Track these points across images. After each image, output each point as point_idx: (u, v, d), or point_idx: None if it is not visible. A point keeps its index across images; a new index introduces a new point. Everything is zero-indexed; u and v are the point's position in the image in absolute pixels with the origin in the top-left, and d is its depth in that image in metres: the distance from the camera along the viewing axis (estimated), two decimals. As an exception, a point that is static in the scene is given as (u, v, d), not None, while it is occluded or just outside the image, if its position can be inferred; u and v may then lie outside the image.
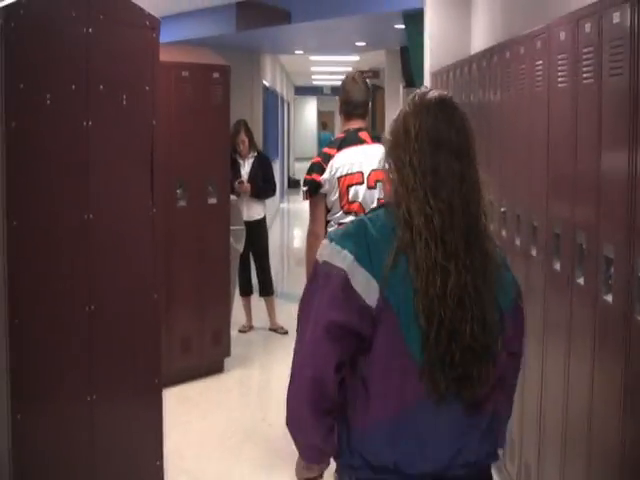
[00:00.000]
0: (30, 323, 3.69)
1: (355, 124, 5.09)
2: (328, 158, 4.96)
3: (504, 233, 4.85)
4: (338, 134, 5.27)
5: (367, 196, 4.85)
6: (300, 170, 30.37)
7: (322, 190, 4.91)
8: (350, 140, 4.99)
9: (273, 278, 9.16)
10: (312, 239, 4.92)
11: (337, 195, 4.88)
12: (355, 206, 4.84)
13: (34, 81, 3.67)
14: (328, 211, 4.96)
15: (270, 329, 8.95)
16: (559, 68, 3.79)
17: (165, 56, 6.99)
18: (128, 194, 4.23)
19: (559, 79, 3.80)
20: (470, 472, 2.36)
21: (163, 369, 6.84)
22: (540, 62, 4.11)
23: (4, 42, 3.49)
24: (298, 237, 17.37)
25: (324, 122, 36.16)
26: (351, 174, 4.87)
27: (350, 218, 4.63)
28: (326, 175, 4.90)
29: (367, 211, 2.89)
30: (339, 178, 4.86)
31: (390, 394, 2.30)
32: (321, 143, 31.38)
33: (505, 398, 2.50)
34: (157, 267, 4.41)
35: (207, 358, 7.34)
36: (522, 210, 4.50)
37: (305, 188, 5.00)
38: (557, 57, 3.81)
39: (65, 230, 3.89)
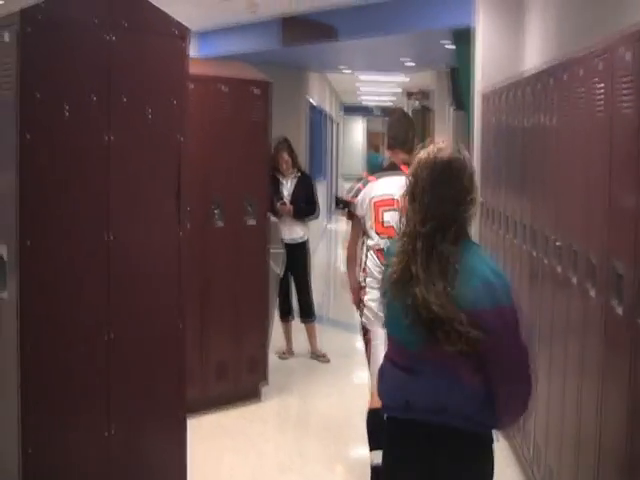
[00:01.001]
0: (44, 351, 3.43)
1: (398, 156, 5.27)
2: (366, 183, 5.25)
3: (559, 269, 4.51)
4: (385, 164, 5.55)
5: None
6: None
7: (357, 212, 5.20)
8: (390, 170, 5.23)
9: (315, 302, 8.85)
10: (346, 256, 5.47)
11: (372, 220, 5.10)
12: (390, 230, 4.85)
13: (52, 91, 3.44)
14: (364, 234, 5.22)
15: (311, 356, 8.63)
16: (624, 92, 3.48)
17: (203, 70, 6.82)
18: (152, 214, 3.93)
19: (624, 103, 3.48)
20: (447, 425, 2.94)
21: (197, 395, 6.62)
22: (602, 85, 3.79)
23: (20, 48, 3.27)
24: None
25: (376, 145, 36.24)
26: (384, 199, 5.06)
27: (385, 242, 4.81)
28: (360, 197, 5.19)
29: None
30: (371, 200, 5.10)
31: None
32: (369, 163, 31.28)
33: (498, 376, 2.93)
34: (183, 294, 4.10)
35: (243, 385, 7.04)
36: (579, 245, 4.16)
37: (342, 206, 5.51)
38: (621, 79, 3.50)
39: (83, 251, 3.64)
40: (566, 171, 4.50)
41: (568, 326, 4.36)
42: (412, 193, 2.97)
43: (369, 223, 5.12)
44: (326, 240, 19.80)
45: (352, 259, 5.40)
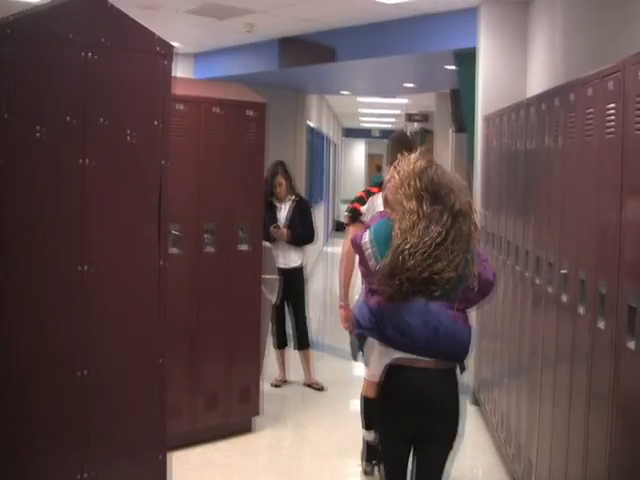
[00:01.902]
0: (10, 391, 3.18)
1: None
2: (370, 194, 5.84)
3: (564, 299, 4.30)
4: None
5: None
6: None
7: (362, 218, 5.67)
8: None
9: (312, 329, 8.63)
10: (344, 258, 5.89)
11: None
12: None
13: (23, 111, 3.21)
14: None
15: (305, 384, 8.38)
16: (637, 112, 3.29)
17: (196, 90, 6.63)
18: (131, 243, 3.68)
19: (637, 124, 3.27)
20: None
21: (185, 427, 6.39)
22: (612, 105, 3.57)
23: (-13, 66, 3.01)
24: None
25: (378, 165, 36.36)
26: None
27: None
28: (366, 207, 5.74)
29: None
30: (376, 211, 5.29)
31: None
32: (374, 184, 31.08)
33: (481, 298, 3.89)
34: (165, 327, 3.86)
35: (234, 416, 6.79)
36: (588, 274, 3.94)
37: (347, 213, 5.93)
38: (635, 99, 3.31)
39: (56, 283, 3.39)
40: (573, 196, 4.31)
41: (574, 355, 4.15)
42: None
43: None
44: (323, 264, 19.52)
45: (350, 260, 5.67)
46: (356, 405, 7.63)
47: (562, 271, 4.36)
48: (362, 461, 6.22)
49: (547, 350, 4.75)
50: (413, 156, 3.81)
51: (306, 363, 8.43)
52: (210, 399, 6.55)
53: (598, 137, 3.81)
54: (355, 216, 5.82)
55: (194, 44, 11.66)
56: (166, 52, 3.76)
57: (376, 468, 5.90)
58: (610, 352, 3.54)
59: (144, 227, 3.72)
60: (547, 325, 4.75)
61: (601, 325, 3.70)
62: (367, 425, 5.98)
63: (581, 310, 4.02)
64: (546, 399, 4.76)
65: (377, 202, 5.39)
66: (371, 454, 6.07)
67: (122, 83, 3.56)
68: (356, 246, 3.87)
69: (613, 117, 3.60)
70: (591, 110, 3.93)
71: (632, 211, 3.35)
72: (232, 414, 6.74)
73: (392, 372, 3.80)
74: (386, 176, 5.41)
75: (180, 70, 12.16)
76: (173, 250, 6.10)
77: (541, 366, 4.89)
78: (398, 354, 3.77)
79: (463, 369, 4.03)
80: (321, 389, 8.26)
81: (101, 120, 3.44)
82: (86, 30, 3.38)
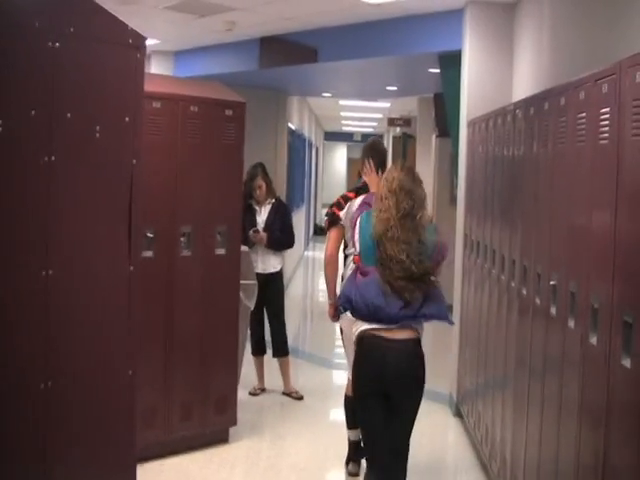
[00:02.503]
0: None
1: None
2: (347, 199, 5.98)
3: (553, 311, 4.12)
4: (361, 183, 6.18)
5: None
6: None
7: (341, 222, 5.88)
8: (367, 188, 5.78)
9: (291, 335, 8.46)
10: (326, 261, 5.97)
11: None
12: None
13: (-18, 104, 2.96)
14: (345, 246, 5.99)
15: (283, 393, 8.16)
16: (634, 117, 3.11)
17: (172, 88, 6.41)
18: (99, 246, 3.44)
19: (634, 130, 3.10)
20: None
21: (159, 438, 6.17)
22: (607, 109, 3.41)
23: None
24: (323, 288, 16.07)
25: (359, 172, 35.88)
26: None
27: None
28: (343, 212, 5.86)
29: None
30: (354, 215, 5.25)
31: None
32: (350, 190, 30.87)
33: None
34: (134, 336, 3.63)
35: (210, 426, 6.57)
36: (578, 286, 3.75)
37: (326, 218, 6.12)
38: (632, 103, 3.14)
39: (18, 288, 3.15)
40: (564, 204, 4.12)
41: (564, 370, 3.98)
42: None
43: (348, 235, 5.58)
44: (303, 268, 19.34)
45: (333, 262, 5.96)
46: (336, 414, 7.56)
47: (551, 282, 4.18)
48: (346, 465, 6.31)
49: (535, 363, 4.57)
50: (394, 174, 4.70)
51: (284, 371, 8.22)
52: (185, 408, 6.34)
53: (591, 143, 3.63)
54: (334, 221, 6.00)
55: (174, 42, 11.42)
56: (139, 44, 3.53)
57: (361, 469, 6.16)
58: (604, 369, 3.36)
59: (113, 230, 3.49)
60: (535, 337, 4.57)
61: (593, 340, 3.51)
62: (351, 425, 6.20)
63: (571, 324, 3.84)
64: (534, 414, 4.58)
65: (353, 207, 5.56)
66: (357, 453, 6.25)
67: (91, 76, 3.33)
68: (352, 225, 4.85)
69: (607, 122, 3.42)
70: (583, 115, 3.75)
71: (627, 220, 3.17)
72: (208, 424, 6.53)
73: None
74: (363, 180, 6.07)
75: (159, 68, 11.96)
76: (147, 253, 5.94)
77: (529, 379, 4.70)
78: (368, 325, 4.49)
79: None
80: (300, 398, 8.07)
81: (68, 115, 3.21)
82: (52, 18, 3.14)
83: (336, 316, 5.87)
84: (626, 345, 3.12)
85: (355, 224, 4.76)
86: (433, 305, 4.48)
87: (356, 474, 6.20)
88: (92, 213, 3.40)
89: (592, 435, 3.52)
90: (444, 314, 4.59)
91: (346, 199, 6.03)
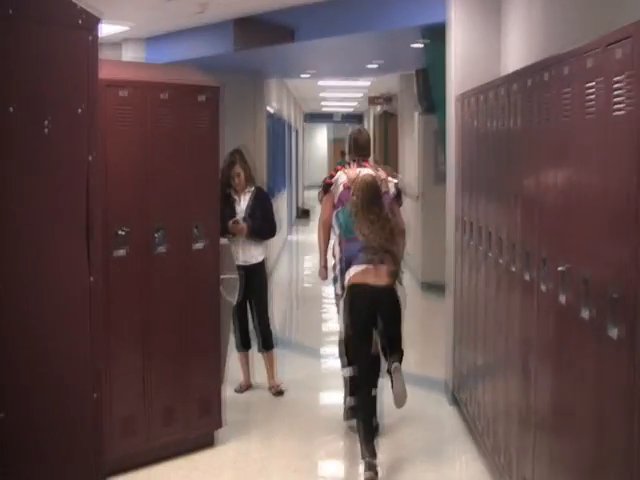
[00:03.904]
0: None
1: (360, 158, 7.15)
2: (336, 171, 7.10)
3: (563, 299, 3.77)
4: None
5: None
6: (310, 198, 29.41)
7: (331, 189, 6.93)
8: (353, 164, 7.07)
9: (277, 324, 8.12)
10: (321, 226, 7.05)
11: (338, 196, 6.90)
12: None
13: None
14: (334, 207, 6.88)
15: (269, 389, 7.80)
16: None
17: (139, 74, 6.03)
18: (52, 257, 3.02)
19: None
20: None
21: (141, 445, 5.81)
22: (620, 77, 3.08)
23: None
24: (309, 273, 15.48)
25: (342, 152, 35.97)
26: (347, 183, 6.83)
27: None
28: (334, 179, 6.95)
29: None
30: (342, 183, 6.86)
31: None
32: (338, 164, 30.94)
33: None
34: (97, 356, 3.22)
35: (194, 430, 6.21)
36: (590, 273, 3.44)
37: (320, 189, 7.11)
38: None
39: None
40: (568, 181, 3.76)
41: (577, 361, 3.66)
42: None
43: (336, 199, 6.86)
44: (288, 253, 18.95)
45: (327, 227, 6.93)
46: (328, 408, 7.27)
47: (559, 268, 3.82)
48: (345, 399, 6.89)
49: (541, 350, 4.23)
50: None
51: (269, 365, 7.86)
52: (167, 412, 5.99)
53: (603, 114, 3.27)
54: (326, 188, 7.00)
55: (144, 28, 11.00)
56: (91, 26, 3.11)
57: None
58: (623, 362, 3.04)
59: (68, 236, 3.08)
60: (541, 323, 4.22)
61: (613, 334, 3.16)
62: (343, 364, 6.85)
63: (585, 314, 3.48)
64: (541, 403, 4.24)
65: (341, 178, 6.90)
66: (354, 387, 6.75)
67: (36, 63, 2.91)
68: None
69: (621, 91, 3.06)
70: (592, 84, 3.39)
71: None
72: (192, 428, 6.18)
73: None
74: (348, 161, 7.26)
75: (130, 56, 11.54)
76: (120, 252, 5.65)
77: (536, 366, 4.35)
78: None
79: None
80: (279, 393, 7.70)
81: (10, 109, 2.80)
82: (-12, -2, 2.75)
83: (326, 277, 7.13)
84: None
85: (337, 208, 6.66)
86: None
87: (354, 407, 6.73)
88: (44, 219, 2.96)
89: (609, 427, 3.25)
90: None
91: (335, 172, 7.09)
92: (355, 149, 7.17)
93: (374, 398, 6.18)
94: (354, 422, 6.31)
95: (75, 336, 3.14)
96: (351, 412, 6.62)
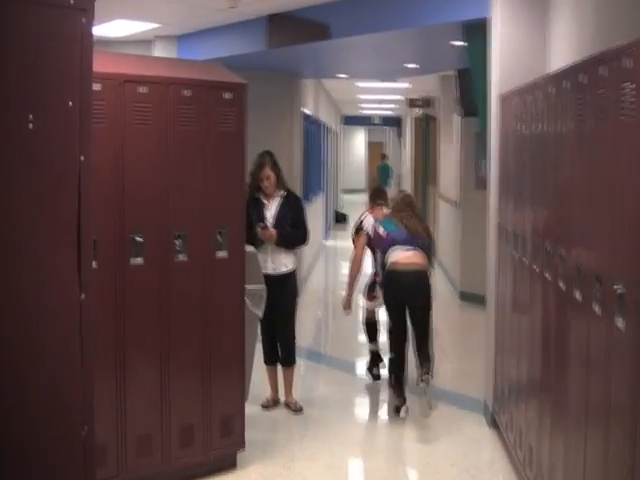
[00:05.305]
0: None
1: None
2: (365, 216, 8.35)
3: (578, 295, 3.38)
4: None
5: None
6: (348, 202, 29.02)
7: (364, 229, 8.10)
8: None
9: (310, 336, 7.75)
10: (354, 259, 8.19)
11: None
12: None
13: None
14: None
15: (285, 405, 7.43)
16: None
17: (162, 70, 5.65)
18: (37, 272, 2.61)
19: None
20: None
21: (156, 467, 5.42)
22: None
23: None
24: (346, 280, 14.99)
25: (383, 153, 35.80)
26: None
27: None
28: (364, 222, 8.19)
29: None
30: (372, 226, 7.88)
31: None
32: (380, 173, 30.74)
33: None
34: (88, 384, 2.81)
35: (215, 452, 5.82)
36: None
37: (353, 234, 8.42)
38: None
39: None
40: (628, 190, 3.32)
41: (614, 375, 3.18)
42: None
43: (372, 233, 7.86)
44: (324, 259, 18.50)
45: (359, 262, 8.14)
46: (358, 429, 6.97)
47: (615, 287, 3.38)
48: (369, 371, 8.47)
49: (592, 369, 3.79)
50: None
51: (287, 381, 7.47)
52: (186, 432, 5.62)
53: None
54: (359, 229, 8.19)
55: (176, 26, 10.64)
56: (84, 6, 2.70)
57: (382, 370, 8.32)
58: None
59: (56, 249, 2.66)
60: (594, 345, 3.79)
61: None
62: (370, 339, 8.49)
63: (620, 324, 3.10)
64: (593, 432, 3.79)
65: (369, 219, 8.11)
66: (377, 359, 8.49)
67: (21, 50, 2.51)
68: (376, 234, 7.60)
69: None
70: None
71: None
72: (212, 449, 5.79)
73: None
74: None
75: (162, 54, 11.20)
76: (137, 260, 5.32)
77: (586, 389, 3.91)
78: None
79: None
80: (298, 410, 7.33)
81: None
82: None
83: (350, 308, 8.13)
84: None
85: (376, 228, 7.64)
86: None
87: (378, 376, 8.35)
88: (27, 228, 2.55)
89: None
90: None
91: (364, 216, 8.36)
92: (378, 197, 8.49)
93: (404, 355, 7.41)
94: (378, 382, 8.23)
95: (63, 359, 2.71)
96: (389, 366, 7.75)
